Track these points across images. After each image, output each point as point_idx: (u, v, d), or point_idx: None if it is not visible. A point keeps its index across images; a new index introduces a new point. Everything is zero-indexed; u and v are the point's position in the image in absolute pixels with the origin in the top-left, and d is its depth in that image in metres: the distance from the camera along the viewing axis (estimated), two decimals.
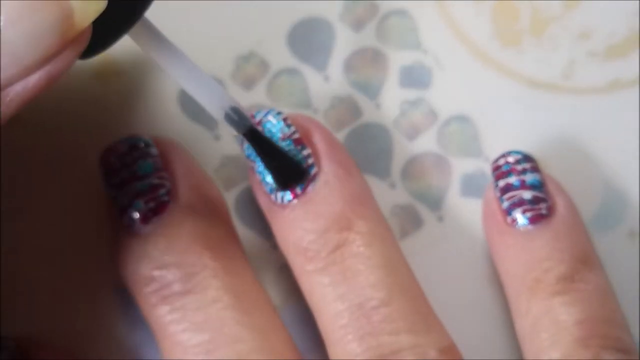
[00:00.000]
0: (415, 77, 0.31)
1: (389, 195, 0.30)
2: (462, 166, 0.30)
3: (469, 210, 0.30)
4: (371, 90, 0.31)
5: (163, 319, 0.26)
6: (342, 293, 0.26)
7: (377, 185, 0.30)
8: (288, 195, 0.26)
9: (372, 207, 0.27)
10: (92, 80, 0.28)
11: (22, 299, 0.28)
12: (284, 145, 0.26)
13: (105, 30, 0.22)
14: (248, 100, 0.30)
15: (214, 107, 0.25)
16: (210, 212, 0.27)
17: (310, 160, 0.27)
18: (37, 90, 0.20)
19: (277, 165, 0.26)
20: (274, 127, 0.27)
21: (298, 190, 0.26)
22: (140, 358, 0.28)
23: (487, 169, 0.30)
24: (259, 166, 0.27)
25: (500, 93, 0.31)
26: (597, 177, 0.30)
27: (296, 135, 0.27)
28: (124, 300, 0.29)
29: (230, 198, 0.30)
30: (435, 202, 0.30)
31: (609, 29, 0.31)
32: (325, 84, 0.30)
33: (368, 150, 0.30)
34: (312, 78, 0.30)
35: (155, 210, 0.26)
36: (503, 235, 0.28)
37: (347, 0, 0.31)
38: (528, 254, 0.27)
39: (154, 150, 0.27)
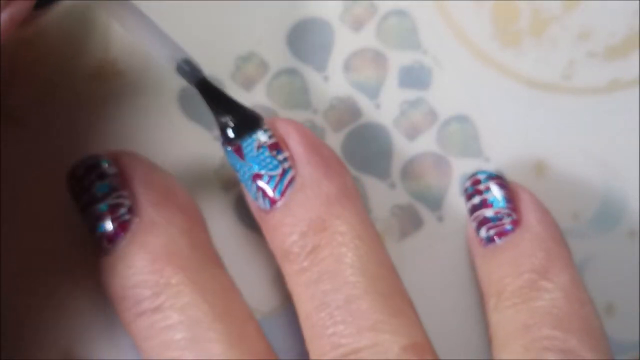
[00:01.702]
0: (415, 77, 0.31)
1: (388, 196, 0.30)
2: (462, 166, 0.30)
3: None
4: (371, 91, 0.31)
5: (138, 335, 0.26)
6: (312, 293, 0.26)
7: (377, 186, 0.30)
8: (267, 203, 0.27)
9: (350, 206, 0.27)
10: (92, 80, 0.28)
11: (22, 298, 0.28)
12: (260, 152, 0.27)
13: None
14: (248, 100, 0.30)
15: (167, 57, 0.25)
16: (174, 224, 0.27)
17: (286, 165, 0.27)
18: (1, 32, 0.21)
19: (230, 116, 0.26)
20: (248, 137, 0.27)
21: (277, 195, 0.27)
22: (140, 358, 0.28)
23: (487, 169, 0.30)
24: (243, 175, 0.27)
25: (500, 93, 0.31)
26: (597, 177, 0.30)
27: (271, 141, 0.27)
28: None
29: (230, 198, 0.30)
30: (435, 202, 0.30)
31: (608, 29, 0.31)
32: (325, 84, 0.30)
33: (368, 150, 0.30)
34: (312, 78, 0.30)
35: (118, 231, 0.27)
36: (477, 255, 0.29)
37: (347, 0, 0.31)
38: (491, 270, 0.28)
39: (110, 169, 0.27)
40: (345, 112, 0.30)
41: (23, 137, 0.29)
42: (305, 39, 0.31)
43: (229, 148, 0.27)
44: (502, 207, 0.28)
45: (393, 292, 0.27)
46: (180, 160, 0.30)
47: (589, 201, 0.29)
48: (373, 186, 0.30)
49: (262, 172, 0.27)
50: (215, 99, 0.26)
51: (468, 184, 0.29)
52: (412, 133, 0.30)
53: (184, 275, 0.26)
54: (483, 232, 0.28)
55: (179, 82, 0.30)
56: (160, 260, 0.26)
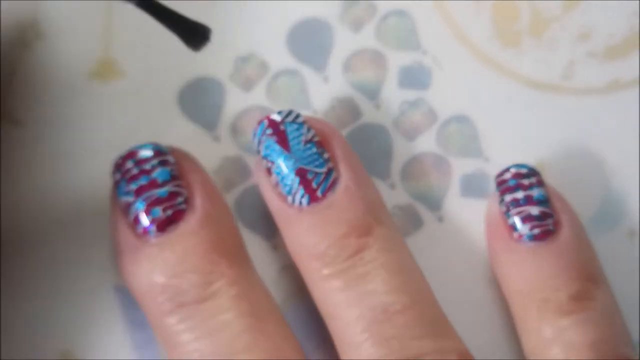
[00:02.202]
0: (414, 78, 0.31)
1: (389, 196, 0.30)
2: (462, 166, 0.30)
3: (469, 211, 0.30)
4: (371, 91, 0.31)
5: (176, 327, 0.26)
6: (362, 297, 0.26)
7: (377, 186, 0.30)
8: (306, 199, 0.26)
9: (387, 213, 0.27)
10: (92, 80, 0.28)
11: (22, 298, 0.28)
12: (308, 147, 0.27)
13: None
14: (248, 101, 0.30)
15: None
16: (223, 222, 0.27)
17: (330, 165, 0.27)
18: None
19: (177, 27, 0.25)
20: (296, 130, 0.27)
21: (319, 193, 0.26)
22: (140, 358, 0.28)
23: (487, 169, 0.30)
24: (278, 167, 0.27)
25: (500, 93, 0.31)
26: (597, 177, 0.30)
27: (317, 138, 0.27)
28: (124, 300, 0.28)
29: (230, 199, 0.30)
30: (435, 202, 0.30)
31: (608, 30, 0.31)
32: (325, 84, 0.31)
33: (368, 150, 0.30)
34: (312, 79, 0.30)
35: (172, 218, 0.26)
36: (509, 252, 0.28)
37: (346, 0, 0.31)
38: (535, 271, 0.27)
39: (171, 158, 0.27)
40: (345, 113, 0.30)
41: (23, 137, 0.29)
42: (305, 39, 0.31)
43: (272, 138, 0.27)
44: (547, 206, 0.28)
45: (434, 300, 0.27)
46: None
47: (589, 201, 0.29)
48: None
49: (309, 167, 0.27)
50: (162, 16, 0.25)
51: (509, 175, 0.28)
52: (412, 133, 0.30)
53: (235, 270, 0.26)
54: (525, 229, 0.27)
55: (179, 82, 0.30)
56: (215, 252, 0.26)
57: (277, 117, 0.27)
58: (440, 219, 0.30)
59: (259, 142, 0.27)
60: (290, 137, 0.27)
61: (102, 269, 0.29)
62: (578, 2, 0.31)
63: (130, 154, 0.27)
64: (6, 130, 0.29)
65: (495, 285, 0.29)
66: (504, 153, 0.30)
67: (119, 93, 0.30)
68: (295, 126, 0.27)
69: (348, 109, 0.30)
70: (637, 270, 0.30)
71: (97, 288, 0.28)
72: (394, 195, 0.30)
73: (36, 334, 0.28)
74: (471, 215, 0.30)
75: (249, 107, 0.30)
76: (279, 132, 0.27)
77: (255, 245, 0.29)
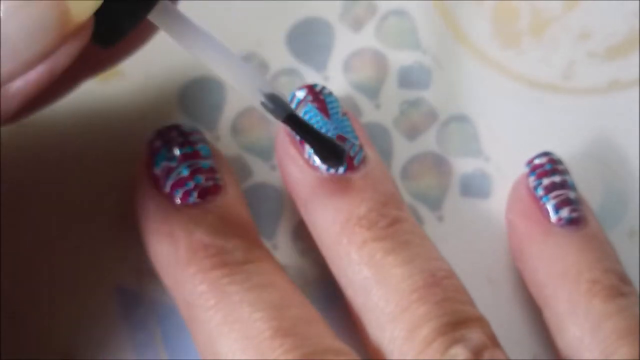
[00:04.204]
0: (415, 77, 0.31)
1: None
2: (462, 166, 0.30)
3: (469, 210, 0.30)
4: (371, 91, 0.31)
5: (221, 280, 0.25)
6: (410, 259, 0.26)
7: None
8: (343, 167, 0.26)
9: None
10: (92, 80, 0.28)
11: (23, 299, 0.28)
12: (344, 119, 0.27)
13: (122, 15, 0.21)
14: (248, 101, 0.30)
15: (250, 93, 0.24)
16: (246, 210, 0.27)
17: (358, 142, 0.27)
18: (38, 85, 0.20)
19: (319, 146, 0.25)
20: (335, 101, 0.27)
21: (356, 161, 0.27)
22: (140, 358, 0.28)
23: (487, 169, 0.30)
24: (324, 132, 0.26)
25: (500, 93, 0.31)
26: (597, 177, 0.30)
27: (349, 115, 0.28)
28: (124, 301, 0.28)
29: None
30: (435, 202, 0.30)
31: (608, 30, 0.31)
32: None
33: None
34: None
35: (211, 190, 0.26)
36: (547, 235, 0.28)
37: (346, 0, 0.31)
38: (581, 253, 0.27)
39: (209, 141, 0.28)
40: None
41: (23, 137, 0.29)
42: (305, 39, 0.31)
43: (312, 104, 0.27)
44: (578, 193, 0.28)
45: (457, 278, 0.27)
46: None
47: (589, 201, 0.29)
48: None
49: (347, 136, 0.27)
50: (306, 133, 0.25)
51: (544, 160, 0.28)
52: (412, 133, 0.30)
53: (265, 249, 0.27)
54: (565, 213, 0.27)
55: (179, 82, 0.30)
56: (251, 229, 0.27)
57: (316, 87, 0.27)
58: (440, 219, 0.30)
59: (297, 106, 0.27)
60: (329, 106, 0.27)
61: (102, 269, 0.29)
62: (578, 2, 0.31)
63: (176, 126, 0.27)
64: (6, 130, 0.29)
65: (496, 284, 0.29)
66: (504, 153, 0.30)
67: (119, 93, 0.30)
68: (332, 97, 0.27)
69: (348, 108, 0.30)
70: (637, 270, 0.30)
71: (97, 288, 0.28)
72: None
73: (36, 334, 0.28)
74: (471, 215, 0.30)
75: (249, 107, 0.30)
76: (319, 99, 0.27)
77: None
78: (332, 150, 0.25)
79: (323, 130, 0.26)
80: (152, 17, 0.22)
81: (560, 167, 0.28)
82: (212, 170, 0.27)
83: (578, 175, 0.29)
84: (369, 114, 0.30)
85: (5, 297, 0.28)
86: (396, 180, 0.30)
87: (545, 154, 0.28)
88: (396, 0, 0.31)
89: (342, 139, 0.27)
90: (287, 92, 0.30)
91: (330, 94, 0.28)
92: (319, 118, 0.27)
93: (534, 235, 0.28)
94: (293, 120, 0.24)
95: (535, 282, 0.28)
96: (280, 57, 0.30)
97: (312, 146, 0.25)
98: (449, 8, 0.31)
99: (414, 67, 0.31)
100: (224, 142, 0.30)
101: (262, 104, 0.24)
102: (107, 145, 0.29)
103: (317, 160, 0.27)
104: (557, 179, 0.28)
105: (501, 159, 0.30)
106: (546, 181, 0.28)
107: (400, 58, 0.31)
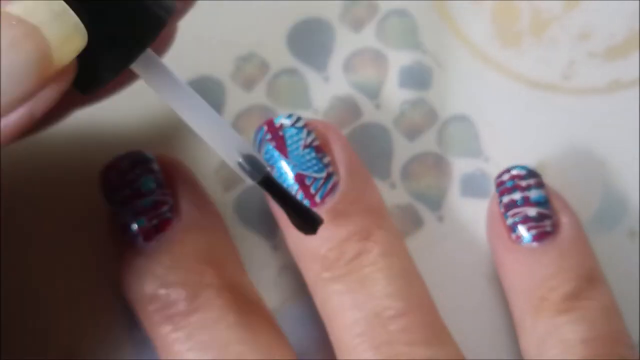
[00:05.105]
0: (415, 77, 0.31)
1: (389, 196, 0.30)
2: (462, 166, 0.30)
3: (469, 210, 0.30)
4: (371, 91, 0.31)
5: (167, 337, 0.26)
6: (359, 301, 0.26)
7: (377, 186, 0.30)
8: (307, 204, 0.26)
9: (388, 217, 0.27)
10: None
11: (23, 299, 0.28)
12: (307, 152, 0.26)
13: (105, 63, 0.21)
14: (248, 100, 0.30)
15: (227, 154, 0.23)
16: (212, 230, 0.27)
17: (330, 169, 0.27)
18: (18, 128, 0.20)
19: (292, 211, 0.25)
20: (295, 134, 0.27)
21: (317, 198, 0.26)
22: (140, 358, 0.28)
23: (487, 169, 0.30)
24: (277, 172, 0.27)
25: (500, 93, 0.31)
26: (597, 177, 0.30)
27: (316, 143, 0.27)
28: (124, 301, 0.28)
29: (230, 198, 0.30)
30: (435, 202, 0.30)
31: (609, 30, 0.31)
32: (325, 84, 0.31)
33: (368, 150, 0.30)
34: (312, 78, 0.31)
35: (158, 228, 0.26)
36: (508, 252, 0.28)
37: (347, 0, 0.31)
38: (533, 272, 0.27)
39: (156, 167, 0.27)
40: (345, 112, 0.30)
41: (23, 140, 0.29)
42: (305, 39, 0.31)
43: (271, 143, 0.27)
44: (545, 207, 0.28)
45: (432, 307, 0.27)
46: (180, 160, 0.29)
47: (589, 201, 0.29)
48: None
49: (307, 172, 0.27)
50: (281, 197, 0.24)
51: (506, 177, 0.28)
52: (412, 133, 0.30)
53: (222, 279, 0.26)
54: (523, 231, 0.27)
55: None
56: (200, 262, 0.26)
57: (276, 122, 0.27)
58: (440, 219, 0.30)
59: (259, 147, 0.27)
60: (288, 142, 0.27)
61: (102, 270, 0.29)
62: (578, 2, 0.31)
63: (113, 164, 0.27)
64: None
65: (496, 284, 0.29)
66: (504, 153, 0.30)
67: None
68: (294, 130, 0.27)
69: (348, 108, 0.30)
70: (637, 270, 0.30)
71: (97, 288, 0.28)
72: (394, 195, 0.30)
73: (37, 334, 0.28)
74: (471, 215, 0.30)
75: (250, 107, 0.30)
76: (277, 137, 0.27)
77: (255, 245, 0.30)
78: (306, 218, 0.25)
79: (282, 171, 0.26)
80: (134, 66, 0.22)
81: (523, 183, 0.28)
82: (155, 206, 0.26)
83: (578, 175, 0.29)
84: (369, 114, 0.30)
85: (5, 297, 0.28)
86: (396, 181, 0.30)
87: (510, 169, 0.28)
88: (396, 0, 0.31)
89: (301, 176, 0.27)
90: (287, 91, 0.30)
91: (293, 125, 0.27)
92: (277, 157, 0.26)
93: (499, 251, 0.28)
94: (269, 184, 0.24)
95: (505, 297, 0.28)
96: (280, 57, 0.30)
97: (286, 212, 0.24)
98: (449, 8, 0.31)
99: (414, 67, 0.31)
100: None
101: (239, 164, 0.23)
102: (108, 145, 0.29)
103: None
104: (516, 196, 0.28)
105: (501, 159, 0.30)
106: (506, 199, 0.28)
107: (400, 58, 0.31)
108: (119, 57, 0.21)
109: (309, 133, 0.27)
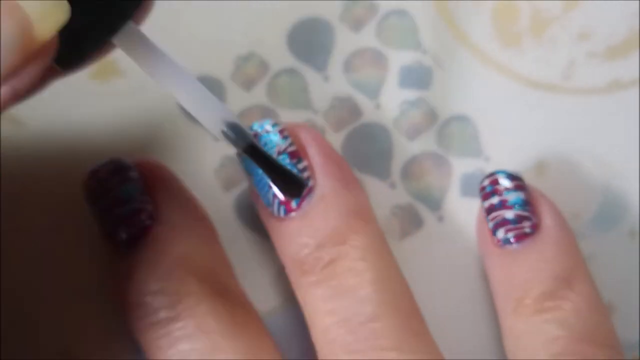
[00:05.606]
0: (415, 77, 0.31)
1: (389, 196, 0.30)
2: (462, 166, 0.30)
3: (469, 210, 0.30)
4: (371, 90, 0.31)
5: (151, 344, 0.26)
6: (331, 307, 0.26)
7: (377, 185, 0.30)
8: (282, 211, 0.26)
9: (368, 221, 0.27)
10: (92, 80, 0.28)
11: (23, 299, 0.28)
12: (281, 159, 0.26)
13: (85, 37, 0.21)
14: (248, 100, 0.30)
15: (211, 123, 0.23)
16: (195, 234, 0.27)
17: (306, 174, 0.27)
18: (1, 105, 0.20)
19: (277, 178, 0.25)
20: (270, 140, 0.27)
21: (293, 204, 0.26)
22: (140, 358, 0.28)
23: (487, 169, 0.30)
24: (259, 180, 0.27)
25: (500, 93, 0.31)
26: (597, 177, 0.30)
27: (292, 148, 0.27)
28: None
29: (230, 198, 0.30)
30: (435, 202, 0.30)
31: (608, 30, 0.31)
32: (325, 84, 0.31)
33: (368, 150, 0.30)
34: (312, 78, 0.30)
35: (138, 235, 0.26)
36: (491, 255, 0.28)
37: (347, 0, 0.31)
38: (513, 273, 0.27)
39: (134, 174, 0.27)
40: (346, 112, 0.30)
41: (23, 137, 0.29)
42: (305, 39, 0.31)
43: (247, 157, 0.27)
44: (523, 209, 0.28)
45: (410, 311, 0.27)
46: (180, 160, 0.29)
47: (589, 201, 0.29)
48: (373, 186, 0.30)
49: None
50: (265, 164, 0.25)
51: (486, 182, 0.28)
52: (412, 133, 0.30)
53: (203, 285, 0.26)
54: (501, 234, 0.28)
55: None
56: (180, 268, 0.26)
57: (252, 129, 0.27)
58: (440, 219, 0.30)
59: (239, 155, 0.27)
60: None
61: (101, 270, 0.28)
62: (578, 2, 0.31)
63: (92, 173, 0.27)
64: (6, 130, 0.29)
65: None
66: (504, 153, 0.30)
67: (119, 93, 0.30)
68: (268, 137, 0.27)
69: (348, 108, 0.30)
70: (637, 270, 0.30)
71: (97, 288, 0.28)
72: (394, 195, 0.30)
73: (36, 334, 0.28)
74: (471, 215, 0.30)
75: (250, 107, 0.30)
76: None
77: (254, 245, 0.30)
78: (291, 181, 0.25)
79: (255, 178, 0.26)
80: (116, 39, 0.22)
81: (501, 187, 0.28)
82: (134, 213, 0.27)
83: (578, 175, 0.29)
84: (369, 113, 0.30)
85: (6, 297, 0.28)
86: (396, 180, 0.30)
87: (490, 174, 0.28)
88: (396, 0, 0.31)
89: None
90: (287, 91, 0.30)
91: (268, 132, 0.27)
92: (251, 166, 0.26)
93: (485, 255, 0.29)
94: (253, 151, 0.24)
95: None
96: (280, 57, 0.30)
97: (271, 177, 0.24)
98: (449, 8, 0.31)
99: (414, 67, 0.31)
100: (221, 143, 0.30)
101: (223, 132, 0.23)
102: (108, 145, 0.29)
103: (264, 198, 0.27)
104: (495, 200, 0.28)
105: (501, 159, 0.30)
106: (486, 203, 0.28)
107: (400, 58, 0.31)
108: (100, 30, 0.21)
109: (285, 138, 0.27)
